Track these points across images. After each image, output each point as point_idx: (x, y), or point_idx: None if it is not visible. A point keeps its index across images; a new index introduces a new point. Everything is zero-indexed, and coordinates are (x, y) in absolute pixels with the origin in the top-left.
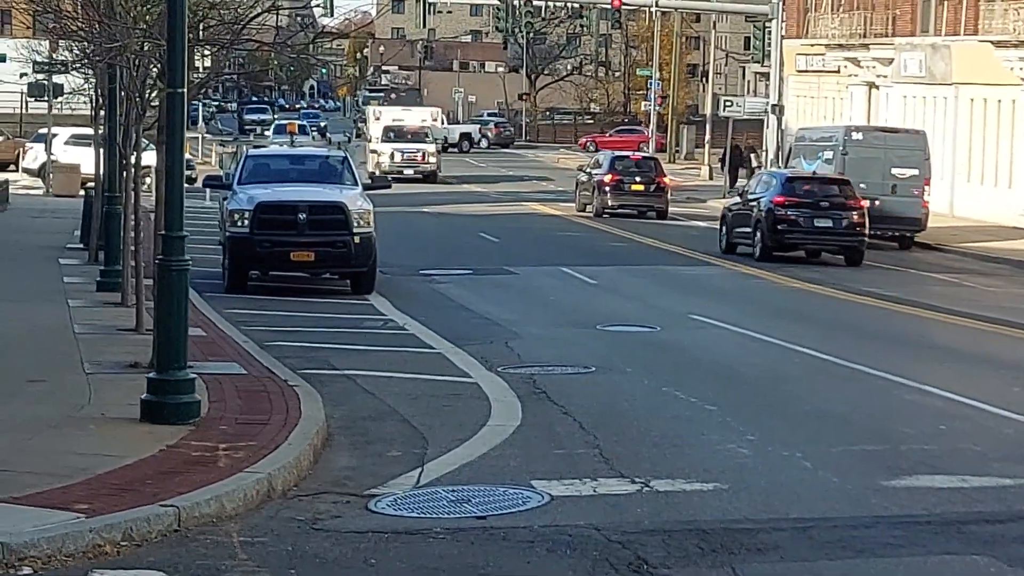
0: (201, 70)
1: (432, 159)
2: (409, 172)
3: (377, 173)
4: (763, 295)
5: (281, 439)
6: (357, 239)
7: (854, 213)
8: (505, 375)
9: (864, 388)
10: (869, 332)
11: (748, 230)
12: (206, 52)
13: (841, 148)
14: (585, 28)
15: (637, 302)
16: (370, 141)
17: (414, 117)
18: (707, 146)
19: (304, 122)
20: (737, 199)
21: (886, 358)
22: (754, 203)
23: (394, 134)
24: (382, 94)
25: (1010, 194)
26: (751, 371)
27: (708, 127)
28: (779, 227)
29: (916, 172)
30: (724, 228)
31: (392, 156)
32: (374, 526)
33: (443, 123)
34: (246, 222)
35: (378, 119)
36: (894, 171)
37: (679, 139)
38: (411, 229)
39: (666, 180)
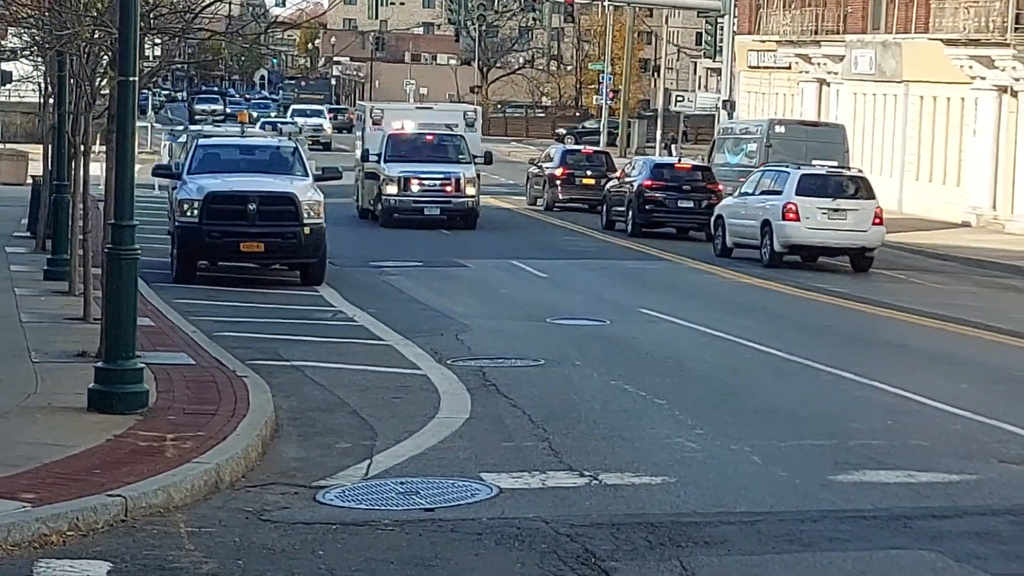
0: (151, 59)
1: (470, 189)
2: (433, 211)
3: (379, 209)
4: (713, 290)
5: (229, 430)
6: (307, 230)
7: (712, 195)
8: (455, 367)
9: (813, 383)
10: (817, 327)
11: (623, 209)
12: (156, 41)
13: (765, 140)
14: (537, 21)
15: (587, 295)
16: (367, 160)
17: (435, 120)
18: (658, 141)
19: (276, 117)
20: (616, 181)
21: (834, 353)
22: (628, 186)
23: (406, 149)
24: (293, 82)
25: (958, 192)
26: (700, 365)
27: (659, 122)
28: (647, 207)
29: (835, 164)
30: (605, 207)
31: (404, 185)
32: (322, 517)
33: (478, 127)
34: (196, 212)
35: (378, 124)
36: (815, 162)
37: (630, 133)
38: (361, 220)
39: (617, 174)
